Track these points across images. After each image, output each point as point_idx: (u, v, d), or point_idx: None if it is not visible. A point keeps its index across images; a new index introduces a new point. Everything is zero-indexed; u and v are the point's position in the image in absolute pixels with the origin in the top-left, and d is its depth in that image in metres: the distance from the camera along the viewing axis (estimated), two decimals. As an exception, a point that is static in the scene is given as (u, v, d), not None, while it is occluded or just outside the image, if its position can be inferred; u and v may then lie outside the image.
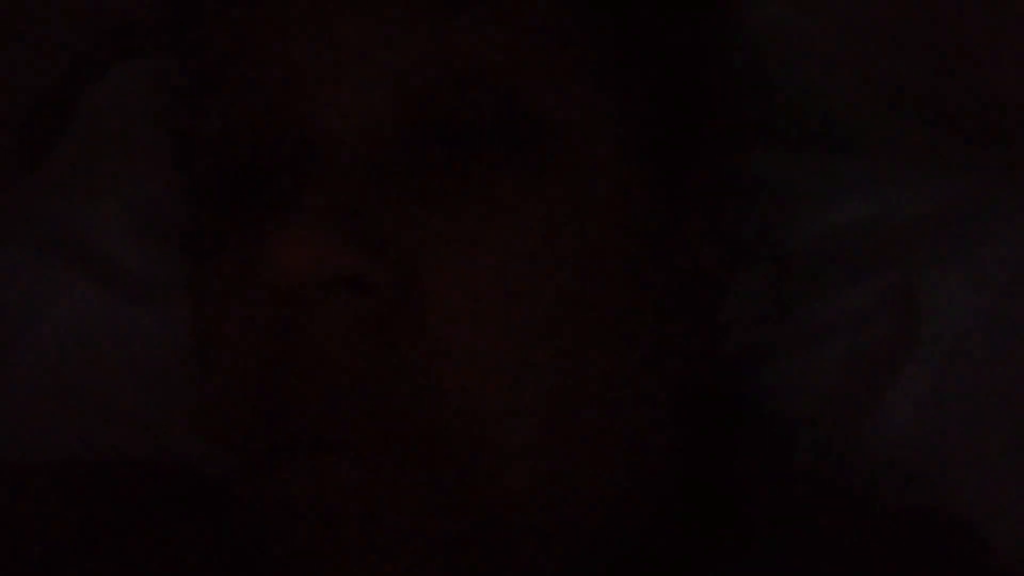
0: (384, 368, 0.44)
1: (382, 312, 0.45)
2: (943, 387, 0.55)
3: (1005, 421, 0.55)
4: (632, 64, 0.50)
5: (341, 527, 0.45)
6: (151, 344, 0.62)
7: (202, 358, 0.49)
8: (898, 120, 0.60)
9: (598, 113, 0.49)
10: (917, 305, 0.56)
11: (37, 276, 0.64)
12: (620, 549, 0.49)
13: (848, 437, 0.56)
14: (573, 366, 0.46)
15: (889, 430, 0.55)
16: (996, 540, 0.52)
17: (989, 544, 0.52)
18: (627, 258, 0.48)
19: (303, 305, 0.44)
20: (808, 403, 0.57)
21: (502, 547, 0.45)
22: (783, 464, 0.55)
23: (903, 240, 0.57)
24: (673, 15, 0.52)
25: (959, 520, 0.53)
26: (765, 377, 0.58)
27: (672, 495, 0.51)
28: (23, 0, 0.68)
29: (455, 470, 0.44)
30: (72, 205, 0.65)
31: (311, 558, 0.45)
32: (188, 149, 0.51)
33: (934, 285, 0.56)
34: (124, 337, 0.63)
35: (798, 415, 0.57)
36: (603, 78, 0.49)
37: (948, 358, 0.55)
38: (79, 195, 0.65)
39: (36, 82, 0.68)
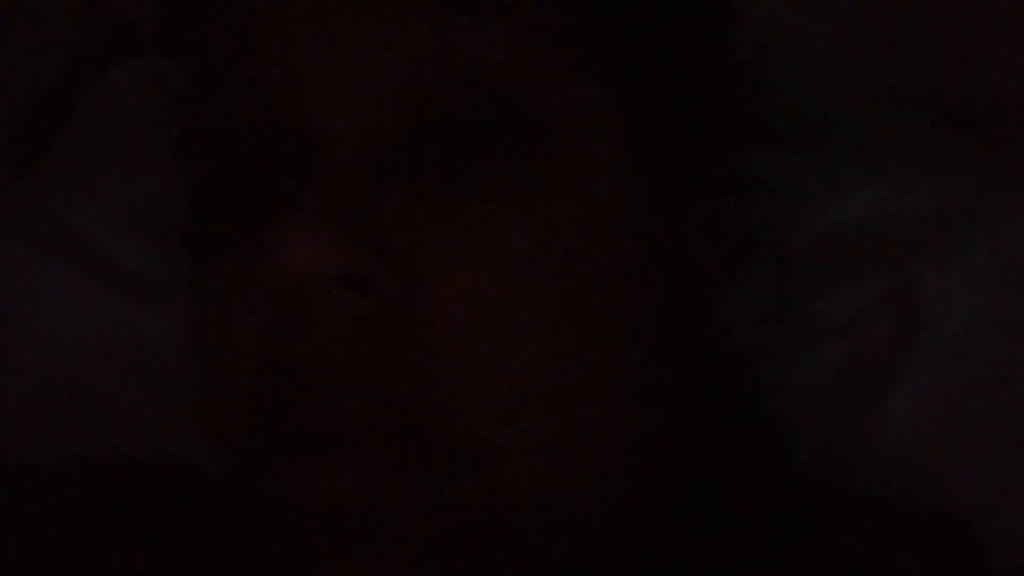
0: (385, 367, 0.44)
1: (383, 311, 0.45)
2: (943, 387, 0.55)
3: (1005, 421, 0.55)
4: (632, 64, 0.50)
5: (341, 526, 0.44)
6: (151, 344, 0.62)
7: (202, 357, 0.49)
8: (898, 120, 0.60)
9: (598, 113, 0.49)
10: (917, 305, 0.56)
11: (37, 276, 0.64)
12: (620, 549, 0.49)
13: (848, 437, 0.56)
14: (573, 365, 0.46)
15: (889, 430, 0.55)
16: (996, 540, 0.52)
17: (989, 544, 0.52)
18: (627, 258, 0.48)
19: (304, 304, 0.44)
20: (808, 403, 0.57)
21: (503, 546, 0.45)
22: (783, 464, 0.55)
23: (903, 240, 0.57)
24: (673, 15, 0.52)
25: (959, 520, 0.53)
26: (765, 377, 0.58)
27: (672, 495, 0.51)
28: (23, 0, 0.68)
29: (456, 469, 0.44)
30: (72, 205, 0.65)
31: (311, 557, 0.45)
32: (188, 149, 0.51)
33: (934, 285, 0.56)
34: (124, 337, 0.63)
35: (798, 415, 0.57)
36: (603, 78, 0.49)
37: (948, 358, 0.55)
38: (79, 195, 0.65)
39: (36, 82, 0.68)
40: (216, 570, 0.54)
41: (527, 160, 0.46)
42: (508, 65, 0.47)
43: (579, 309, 0.46)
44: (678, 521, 0.51)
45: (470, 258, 0.45)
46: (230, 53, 0.48)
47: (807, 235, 0.59)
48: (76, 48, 0.68)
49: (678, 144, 0.51)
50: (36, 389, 0.63)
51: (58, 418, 0.63)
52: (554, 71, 0.48)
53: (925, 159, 0.59)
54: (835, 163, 0.59)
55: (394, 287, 0.45)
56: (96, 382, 0.63)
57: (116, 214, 0.65)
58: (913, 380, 0.55)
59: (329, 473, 0.45)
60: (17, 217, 0.66)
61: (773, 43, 0.60)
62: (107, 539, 0.55)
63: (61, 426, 0.62)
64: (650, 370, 0.49)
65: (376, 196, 0.46)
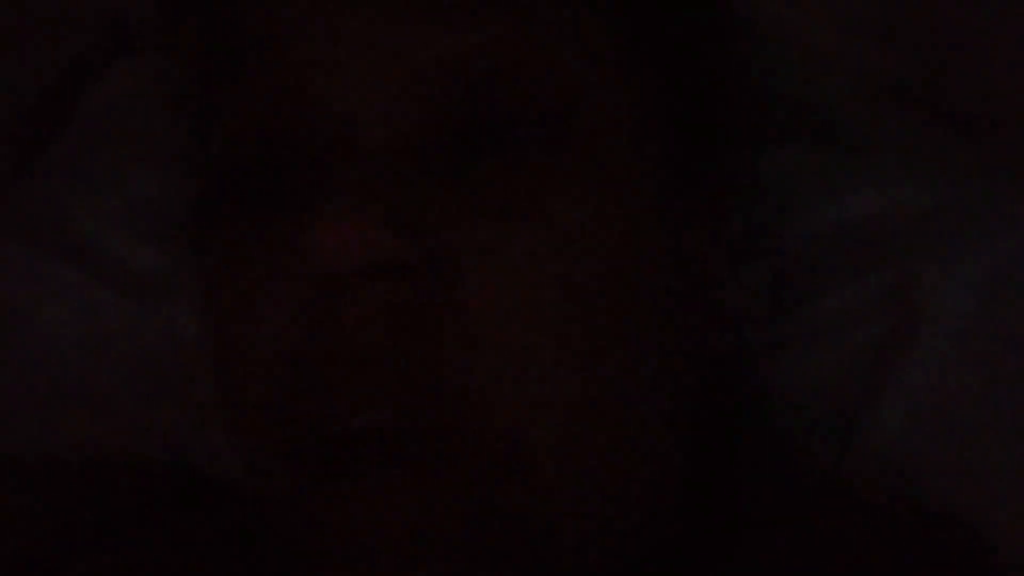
0: (422, 358, 0.44)
1: (420, 298, 0.44)
2: (942, 387, 0.55)
3: (1004, 421, 0.55)
4: (643, 64, 0.50)
5: (382, 549, 0.44)
6: (151, 343, 0.62)
7: (225, 358, 0.48)
8: (898, 118, 0.60)
9: (617, 109, 0.49)
10: (916, 304, 0.56)
11: (37, 275, 0.64)
12: (638, 551, 0.49)
13: (848, 437, 0.56)
14: (601, 360, 0.46)
15: (888, 428, 0.55)
16: (996, 540, 0.52)
17: (989, 543, 0.52)
18: (642, 255, 0.48)
19: (339, 294, 0.44)
20: (808, 403, 0.57)
21: (544, 555, 0.45)
22: (783, 464, 0.55)
23: (902, 239, 0.57)
24: (673, 15, 0.52)
25: (959, 519, 0.53)
26: (765, 377, 0.58)
27: (673, 494, 0.51)
28: (23, 0, 0.68)
29: (493, 478, 0.44)
30: (73, 204, 0.65)
31: (355, 570, 0.45)
32: (204, 140, 0.51)
33: (934, 285, 0.56)
34: (124, 336, 0.63)
35: (798, 415, 0.57)
36: (622, 77, 0.49)
37: (947, 357, 0.55)
38: (80, 194, 0.65)
39: (36, 82, 0.68)
40: (216, 570, 0.54)
41: (552, 154, 0.47)
42: (533, 59, 0.47)
43: (605, 304, 0.46)
44: (679, 521, 0.51)
45: (503, 251, 0.45)
46: (254, 39, 0.48)
47: (807, 233, 0.59)
48: (76, 48, 0.68)
49: (682, 144, 0.51)
50: (36, 387, 0.63)
51: (58, 418, 0.63)
52: (576, 67, 0.48)
53: (925, 159, 0.59)
54: (835, 161, 0.59)
55: (431, 277, 0.45)
56: (95, 381, 0.63)
57: (116, 214, 0.65)
58: (912, 379, 0.55)
59: (367, 498, 0.44)
60: (17, 217, 0.66)
61: (773, 42, 0.60)
62: (108, 538, 0.55)
63: (60, 425, 0.62)
64: (658, 368, 0.49)
65: (409, 186, 0.46)
